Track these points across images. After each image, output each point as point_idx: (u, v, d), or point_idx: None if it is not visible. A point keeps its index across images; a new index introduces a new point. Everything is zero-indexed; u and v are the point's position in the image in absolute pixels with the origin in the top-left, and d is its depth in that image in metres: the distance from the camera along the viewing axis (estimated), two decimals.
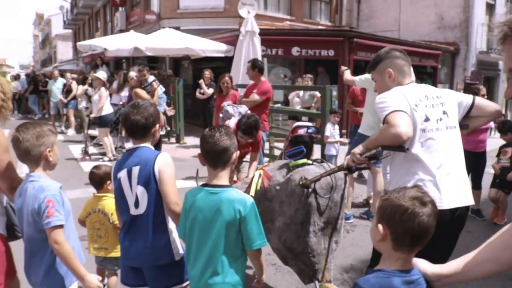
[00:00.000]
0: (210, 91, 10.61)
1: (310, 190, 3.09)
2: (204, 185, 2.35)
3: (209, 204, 2.27)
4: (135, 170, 2.48)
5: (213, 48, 12.87)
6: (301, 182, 3.09)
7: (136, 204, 2.48)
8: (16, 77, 20.88)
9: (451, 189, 2.56)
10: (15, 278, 2.61)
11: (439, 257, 1.93)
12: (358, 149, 2.66)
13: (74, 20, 37.66)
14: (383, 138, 2.51)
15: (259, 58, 9.72)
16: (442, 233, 1.97)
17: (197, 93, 10.96)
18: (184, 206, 2.39)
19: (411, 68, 2.95)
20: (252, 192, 3.42)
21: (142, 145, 2.57)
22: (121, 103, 10.38)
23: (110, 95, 12.39)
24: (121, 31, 21.14)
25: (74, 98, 13.58)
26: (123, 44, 12.87)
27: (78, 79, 14.09)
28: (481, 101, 2.81)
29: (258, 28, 10.16)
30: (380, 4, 21.49)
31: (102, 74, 10.00)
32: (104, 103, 9.47)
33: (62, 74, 15.17)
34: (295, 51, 13.74)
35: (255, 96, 6.91)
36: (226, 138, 2.29)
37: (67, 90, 13.96)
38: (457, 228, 2.67)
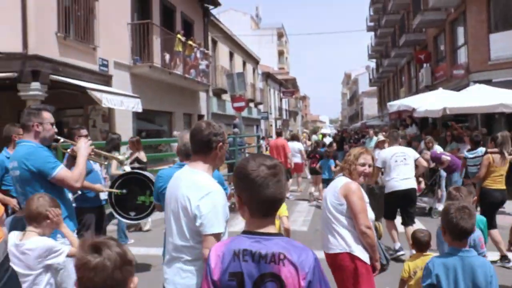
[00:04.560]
0: None
1: None
2: None
3: None
4: None
5: None
6: None
7: None
8: (323, 136, 23.65)
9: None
10: None
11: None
12: None
13: (379, 78, 40.22)
14: None
15: None
16: (400, 202, 6.63)
17: None
18: None
19: None
20: None
21: None
22: None
23: None
24: (427, 87, 21.43)
25: None
26: (432, 104, 12.95)
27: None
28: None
29: None
30: None
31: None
32: None
33: (376, 133, 15.94)
34: None
35: None
36: None
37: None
38: (408, 200, 6.65)
